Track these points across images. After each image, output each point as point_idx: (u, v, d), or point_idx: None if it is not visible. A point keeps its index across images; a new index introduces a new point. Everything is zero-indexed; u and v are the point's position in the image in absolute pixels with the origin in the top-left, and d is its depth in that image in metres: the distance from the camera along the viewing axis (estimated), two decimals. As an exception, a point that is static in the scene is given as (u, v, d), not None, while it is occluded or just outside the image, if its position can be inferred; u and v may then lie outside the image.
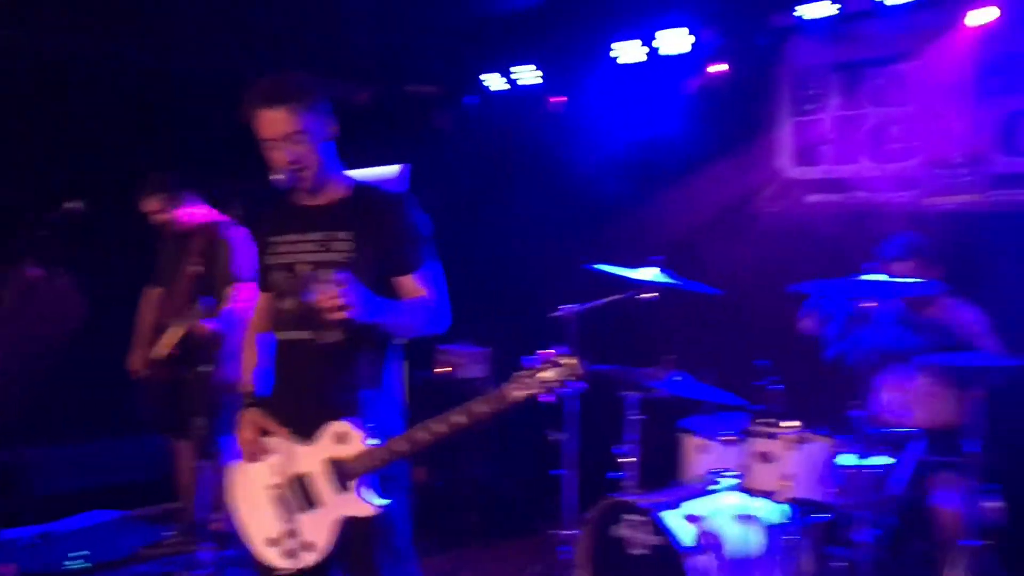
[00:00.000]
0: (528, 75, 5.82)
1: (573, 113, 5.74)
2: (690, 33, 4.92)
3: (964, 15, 4.18)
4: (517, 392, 2.38)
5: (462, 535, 5.10)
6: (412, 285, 2.68)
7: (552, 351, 2.38)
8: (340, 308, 2.42)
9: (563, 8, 5.41)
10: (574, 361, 2.37)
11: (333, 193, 2.70)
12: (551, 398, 2.39)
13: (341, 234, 2.64)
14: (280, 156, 2.62)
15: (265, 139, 2.62)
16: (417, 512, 2.75)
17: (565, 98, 5.81)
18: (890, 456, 3.66)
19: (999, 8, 4.03)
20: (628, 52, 5.19)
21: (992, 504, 3.55)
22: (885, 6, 4.34)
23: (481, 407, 2.44)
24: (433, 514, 4.84)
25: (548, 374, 2.36)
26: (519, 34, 5.76)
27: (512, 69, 5.87)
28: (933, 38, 4.43)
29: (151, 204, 4.64)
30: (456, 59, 6.30)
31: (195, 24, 5.34)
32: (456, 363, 5.62)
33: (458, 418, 2.46)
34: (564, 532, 4.30)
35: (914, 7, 4.33)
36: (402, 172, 7.66)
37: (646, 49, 5.14)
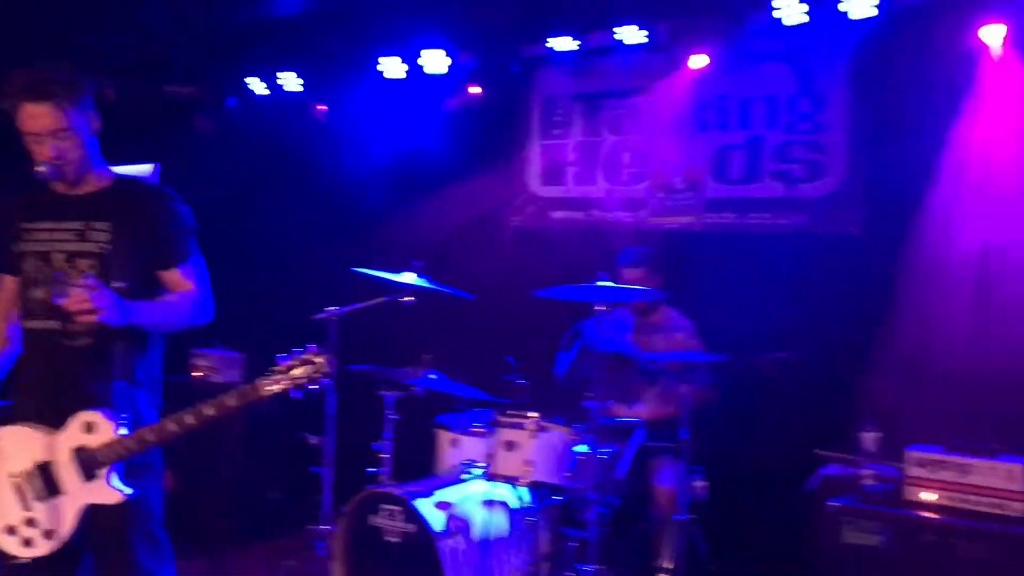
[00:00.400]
0: (292, 82, 5.92)
1: (337, 122, 5.91)
2: (448, 55, 5.25)
3: (687, 59, 4.79)
4: (268, 387, 2.55)
5: (220, 538, 5.09)
6: (177, 278, 2.77)
7: (303, 350, 2.58)
8: (90, 312, 2.49)
9: (328, 19, 5.57)
10: (323, 359, 2.57)
11: (94, 184, 2.74)
12: (299, 394, 2.58)
13: (99, 224, 2.68)
14: (43, 150, 2.62)
15: (28, 133, 2.62)
16: (173, 517, 2.82)
17: (325, 107, 5.96)
18: (617, 444, 4.14)
19: (709, 56, 4.66)
20: (391, 67, 5.44)
21: (699, 483, 4.13)
22: (622, 44, 4.87)
23: (231, 400, 2.58)
24: (189, 518, 4.81)
25: (299, 371, 2.55)
26: (284, 41, 5.85)
27: (277, 75, 5.94)
28: (661, 77, 5.02)
29: None
30: (218, 62, 6.28)
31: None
32: (211, 367, 5.60)
33: (208, 410, 2.58)
34: (321, 527, 4.46)
35: (646, 48, 4.89)
36: (154, 171, 7.46)
37: (406, 67, 5.42)
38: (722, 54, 4.71)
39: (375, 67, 5.45)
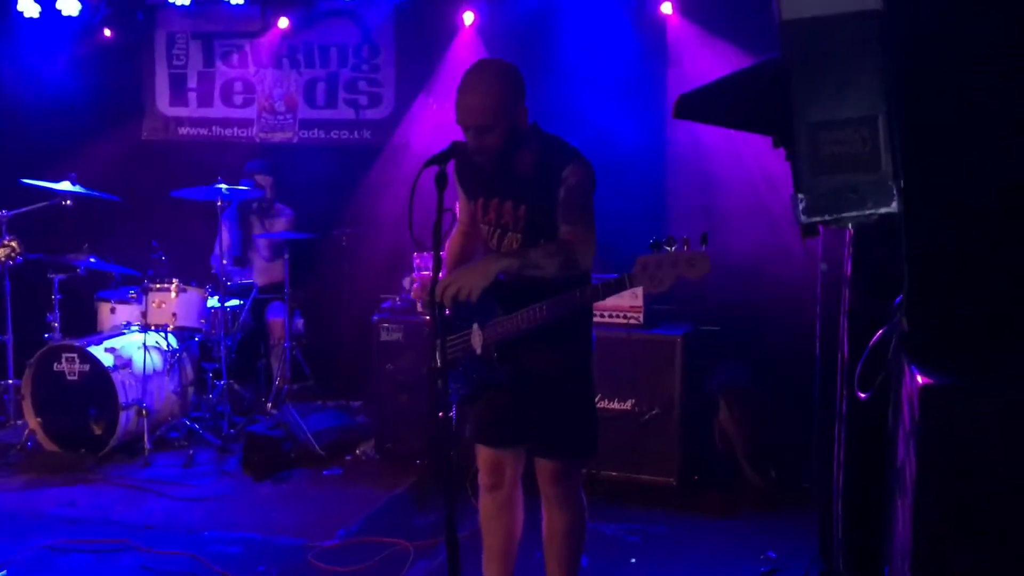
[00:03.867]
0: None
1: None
2: (78, 1, 6.36)
3: (277, 18, 6.43)
4: None
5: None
6: None
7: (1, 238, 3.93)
8: None
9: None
10: (14, 243, 3.97)
11: None
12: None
13: None
14: None
15: None
16: None
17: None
18: (240, 298, 5.88)
19: (289, 19, 6.37)
20: (28, 7, 6.43)
21: (299, 321, 6.03)
22: (226, 3, 6.37)
23: None
24: None
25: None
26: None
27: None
28: (261, 27, 6.60)
29: None
30: None
31: None
32: None
33: None
34: (7, 382, 5.75)
35: (245, 6, 6.42)
36: None
37: (40, 7, 6.43)
38: (304, 12, 6.41)
39: (13, 7, 6.40)
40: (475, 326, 3.03)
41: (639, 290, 4.81)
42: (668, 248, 2.74)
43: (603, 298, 2.93)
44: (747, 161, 5.21)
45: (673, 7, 5.58)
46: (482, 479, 3.26)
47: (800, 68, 1.72)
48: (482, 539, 3.29)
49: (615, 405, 4.73)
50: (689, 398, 4.73)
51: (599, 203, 2.99)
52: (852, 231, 2.75)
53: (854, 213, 1.72)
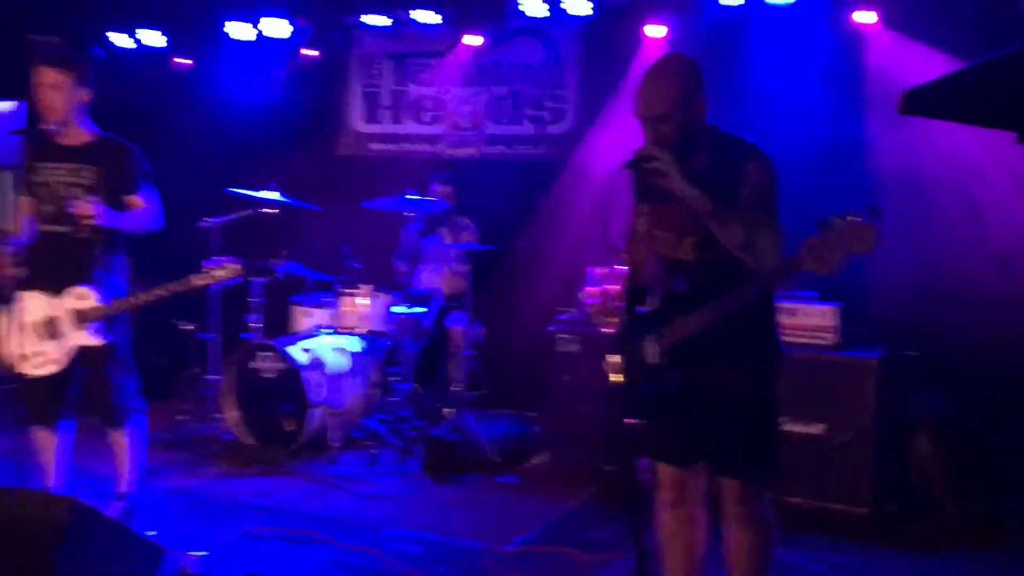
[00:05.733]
0: (153, 38, 7.25)
1: (198, 74, 7.35)
2: (291, 24, 6.80)
3: (468, 36, 6.61)
4: (197, 281, 4.15)
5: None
6: (135, 200, 4.34)
7: (223, 258, 4.17)
8: (89, 217, 4.06)
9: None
10: (238, 266, 4.21)
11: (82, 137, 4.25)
12: (218, 287, 4.25)
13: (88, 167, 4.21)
14: None
15: None
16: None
17: (188, 61, 7.37)
18: (423, 304, 6.05)
19: (482, 36, 6.53)
20: (240, 31, 6.92)
21: (478, 329, 6.14)
22: (419, 23, 6.61)
23: (175, 286, 4.09)
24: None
25: (220, 273, 4.18)
26: (147, 2, 7.18)
27: (137, 31, 7.25)
28: (450, 45, 6.81)
29: None
30: (82, 16, 7.47)
31: None
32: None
33: (159, 291, 4.14)
34: (210, 377, 6.16)
35: (438, 26, 6.64)
36: (18, 108, 8.59)
37: (254, 30, 6.91)
38: (494, 30, 6.56)
39: (223, 29, 6.91)
40: (649, 337, 2.97)
41: (830, 310, 4.62)
42: (835, 226, 2.57)
43: (770, 286, 2.82)
44: (965, 176, 4.89)
45: (875, 14, 5.35)
46: (664, 496, 3.19)
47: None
48: (663, 558, 3.21)
49: (802, 428, 4.53)
50: (883, 425, 4.46)
51: (789, 214, 2.88)
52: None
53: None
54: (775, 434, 3.03)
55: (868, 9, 5.35)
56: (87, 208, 4.03)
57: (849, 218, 2.54)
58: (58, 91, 4.07)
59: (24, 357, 4.11)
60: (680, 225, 2.96)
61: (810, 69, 5.50)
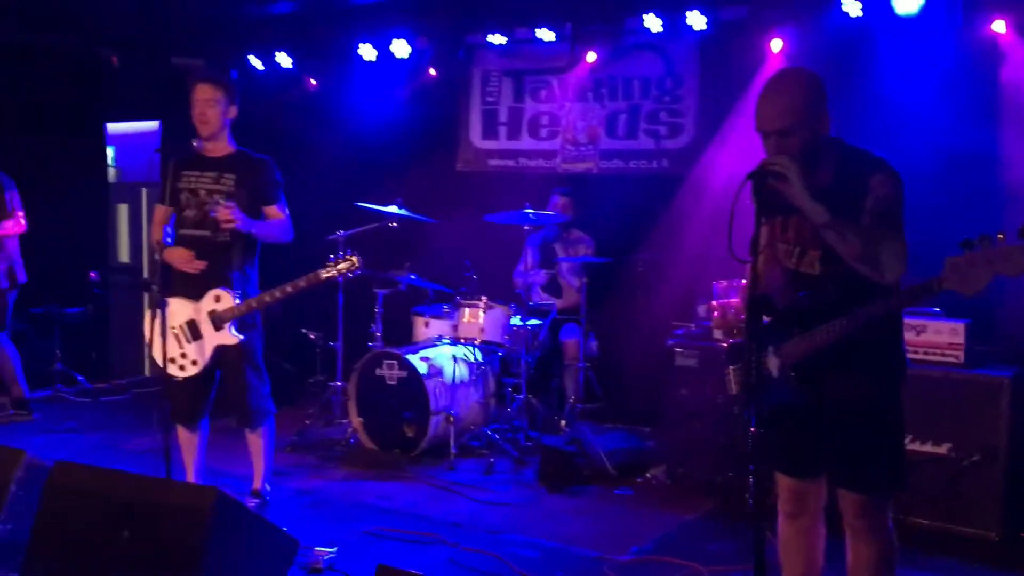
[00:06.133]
0: (286, 60, 7.63)
1: (326, 93, 7.70)
2: (408, 44, 7.04)
3: (586, 53, 6.70)
4: (324, 274, 4.37)
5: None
6: (273, 211, 4.60)
7: (344, 254, 4.39)
8: (229, 222, 4.33)
9: (316, 13, 7.32)
10: (355, 258, 4.42)
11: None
12: (341, 279, 4.47)
13: (228, 175, 4.49)
14: None
15: None
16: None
17: (315, 82, 7.73)
18: (539, 317, 6.15)
19: (597, 53, 6.61)
20: (367, 52, 7.21)
21: (592, 343, 6.19)
22: (538, 39, 6.75)
23: (302, 282, 4.31)
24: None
25: (343, 265, 4.40)
26: (279, 27, 7.56)
27: (275, 54, 7.64)
28: (567, 61, 6.93)
29: None
30: (222, 41, 7.93)
31: None
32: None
33: (288, 288, 4.37)
34: (336, 384, 6.41)
35: (555, 43, 6.77)
36: (158, 128, 9.15)
37: (376, 52, 7.18)
38: (611, 46, 6.63)
39: (354, 51, 7.21)
40: (770, 348, 2.98)
41: (959, 327, 4.49)
42: (981, 245, 2.53)
43: (908, 305, 2.77)
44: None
45: (1007, 24, 5.18)
46: (783, 507, 3.18)
47: None
48: (781, 570, 3.20)
49: (929, 448, 4.41)
50: (1016, 446, 4.30)
51: (917, 229, 2.85)
52: None
53: None
54: (899, 448, 2.99)
55: (1000, 18, 5.19)
56: (227, 212, 4.30)
57: (999, 238, 2.50)
58: (213, 106, 4.37)
59: (171, 360, 4.40)
60: (804, 238, 2.96)
61: (937, 80, 5.36)
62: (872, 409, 2.92)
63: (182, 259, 4.40)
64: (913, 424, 4.31)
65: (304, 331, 7.13)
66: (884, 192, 2.81)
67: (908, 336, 3.04)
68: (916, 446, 4.37)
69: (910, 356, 3.06)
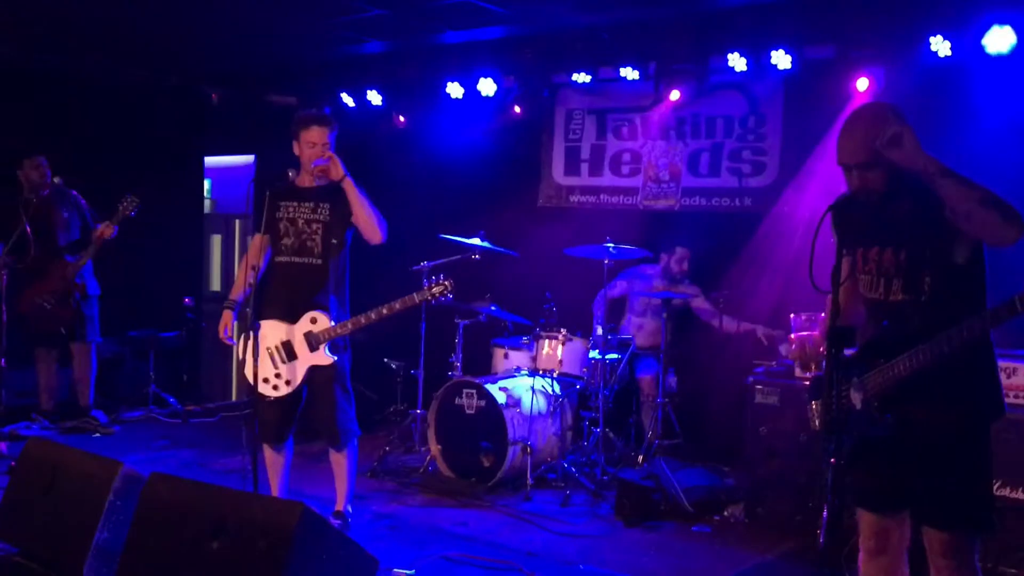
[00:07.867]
0: (376, 98, 7.89)
1: (413, 129, 7.94)
2: (495, 83, 7.22)
3: (669, 92, 6.76)
4: (419, 296, 4.53)
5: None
6: None
7: (438, 278, 4.54)
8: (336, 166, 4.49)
9: (406, 53, 7.58)
10: (448, 283, 4.56)
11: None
12: (434, 302, 4.60)
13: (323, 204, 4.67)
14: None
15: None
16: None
17: (403, 118, 7.97)
18: (618, 351, 6.18)
19: (681, 91, 6.66)
20: (454, 90, 7.43)
21: (671, 379, 6.18)
22: (622, 78, 6.85)
23: (397, 304, 4.50)
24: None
25: (436, 289, 4.54)
26: (369, 66, 7.85)
27: (366, 92, 7.91)
28: (651, 101, 6.99)
29: None
30: (315, 80, 8.26)
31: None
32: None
33: (383, 310, 4.53)
34: (417, 412, 6.53)
35: (639, 82, 6.85)
36: (254, 161, 9.51)
37: (463, 89, 7.38)
38: (695, 85, 6.68)
39: (442, 89, 7.43)
40: (854, 380, 2.96)
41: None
42: None
43: (992, 327, 2.69)
44: None
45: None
46: (864, 544, 3.13)
47: None
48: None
49: (1020, 495, 4.28)
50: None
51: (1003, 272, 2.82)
52: None
53: None
54: (987, 486, 2.93)
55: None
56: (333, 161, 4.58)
57: None
58: (322, 146, 4.57)
59: (264, 380, 4.55)
60: (886, 268, 2.96)
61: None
62: (960, 443, 2.87)
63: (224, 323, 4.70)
64: (1005, 470, 4.21)
65: (386, 360, 7.30)
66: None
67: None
68: (1007, 492, 4.24)
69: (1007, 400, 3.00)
